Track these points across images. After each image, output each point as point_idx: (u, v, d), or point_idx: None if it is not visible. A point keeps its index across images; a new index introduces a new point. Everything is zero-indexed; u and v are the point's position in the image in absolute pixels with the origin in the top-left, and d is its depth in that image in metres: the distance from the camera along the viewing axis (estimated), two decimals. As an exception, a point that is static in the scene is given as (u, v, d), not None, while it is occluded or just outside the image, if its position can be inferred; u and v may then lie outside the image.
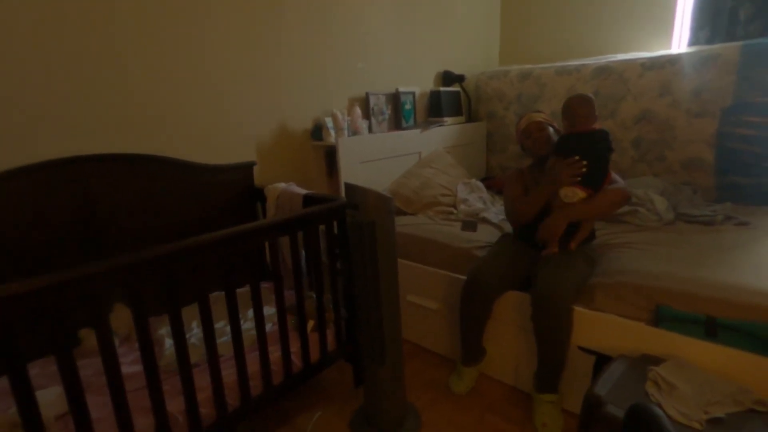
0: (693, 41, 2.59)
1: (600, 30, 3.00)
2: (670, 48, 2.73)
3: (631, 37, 2.88)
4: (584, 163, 1.56)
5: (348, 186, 1.40)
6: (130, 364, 1.44)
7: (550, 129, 1.76)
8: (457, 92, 3.04)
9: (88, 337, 1.49)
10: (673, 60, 2.37)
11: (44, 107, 1.45)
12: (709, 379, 1.22)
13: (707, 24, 2.53)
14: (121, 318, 1.57)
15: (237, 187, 1.95)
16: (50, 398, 1.15)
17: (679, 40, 2.71)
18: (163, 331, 1.57)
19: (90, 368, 1.39)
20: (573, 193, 1.60)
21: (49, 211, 1.45)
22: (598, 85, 2.62)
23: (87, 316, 1.17)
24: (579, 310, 1.52)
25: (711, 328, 1.30)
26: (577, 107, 1.59)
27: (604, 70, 2.60)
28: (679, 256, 1.62)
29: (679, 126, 2.39)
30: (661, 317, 1.39)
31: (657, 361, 1.31)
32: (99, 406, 1.17)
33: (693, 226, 1.96)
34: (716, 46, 2.30)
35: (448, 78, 3.05)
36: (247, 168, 1.98)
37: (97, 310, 1.00)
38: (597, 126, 1.60)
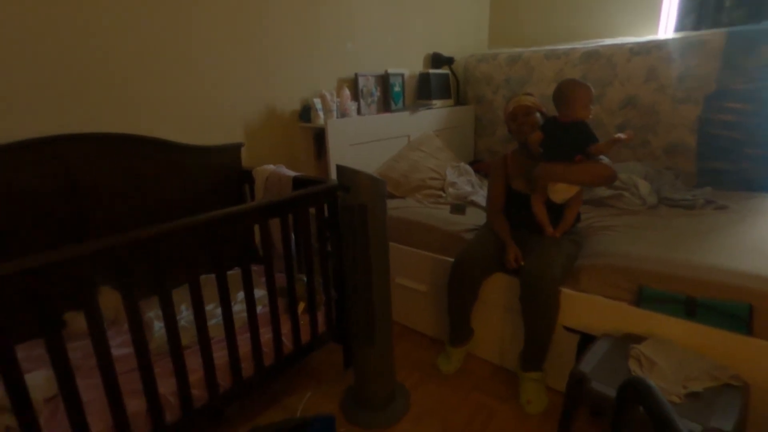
0: (679, 27, 2.62)
1: (589, 14, 3.00)
2: (657, 33, 2.76)
3: (619, 21, 2.90)
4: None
5: (340, 168, 1.39)
6: (118, 347, 1.43)
7: (537, 114, 1.75)
8: (446, 75, 3.02)
9: (73, 320, 1.47)
10: (660, 45, 2.39)
11: (22, 84, 1.39)
12: (688, 356, 1.27)
13: (694, 10, 2.56)
14: (107, 301, 1.55)
15: (224, 169, 1.92)
16: (38, 381, 1.14)
17: (666, 26, 2.74)
18: (151, 314, 1.56)
19: (77, 351, 1.37)
20: (553, 185, 1.63)
21: (30, 192, 1.40)
22: (587, 70, 2.64)
23: (71, 299, 1.16)
24: (565, 292, 1.56)
25: (690, 308, 1.35)
26: (574, 93, 1.56)
27: (593, 55, 2.62)
28: (661, 239, 1.67)
29: (663, 111, 2.43)
30: (644, 297, 1.43)
31: (639, 339, 1.36)
32: (88, 388, 1.16)
33: (674, 210, 2.01)
34: (702, 32, 2.33)
35: (437, 60, 3.02)
36: (234, 149, 1.95)
37: (85, 292, 0.99)
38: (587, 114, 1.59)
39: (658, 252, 1.54)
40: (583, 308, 1.54)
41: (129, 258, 1.05)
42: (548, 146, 1.63)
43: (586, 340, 1.52)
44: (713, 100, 2.27)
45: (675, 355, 1.27)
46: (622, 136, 1.48)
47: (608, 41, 2.66)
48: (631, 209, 2.05)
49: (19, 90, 1.39)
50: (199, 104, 1.85)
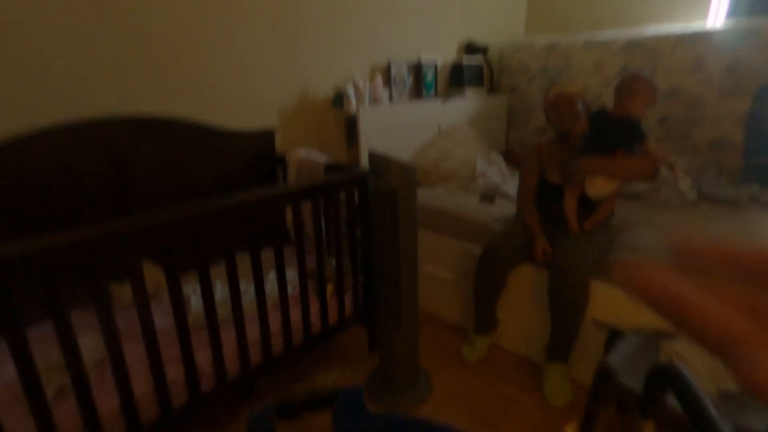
0: (732, 12, 2.47)
1: (632, -1, 2.87)
2: (706, 18, 2.61)
3: (666, 6, 2.76)
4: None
5: (372, 154, 1.41)
6: (159, 319, 1.51)
7: (579, 105, 1.71)
8: (480, 63, 2.97)
9: (119, 292, 1.56)
10: (708, 35, 2.27)
11: (76, 68, 1.47)
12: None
13: (748, -5, 2.41)
14: (148, 275, 1.63)
15: (258, 152, 1.97)
16: (87, 346, 1.22)
17: (717, 11, 2.59)
18: (188, 288, 1.63)
19: (122, 320, 1.45)
20: (592, 179, 1.58)
21: (80, 169, 1.49)
22: (628, 60, 2.54)
23: (116, 272, 1.23)
24: (595, 285, 1.54)
25: (728, 307, 1.31)
26: (640, 89, 1.51)
27: (635, 45, 2.51)
28: (700, 236, 1.61)
29: (708, 104, 2.32)
30: (678, 294, 1.39)
31: (670, 336, 1.33)
32: (132, 355, 1.24)
33: (716, 207, 1.93)
34: (757, 19, 2.20)
35: (471, 48, 2.97)
36: (268, 134, 2.00)
37: (132, 266, 1.05)
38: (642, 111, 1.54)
39: (696, 249, 1.49)
40: (613, 302, 1.52)
41: (172, 235, 1.11)
42: (591, 139, 1.59)
43: (615, 335, 1.50)
44: (766, 93, 2.14)
45: (708, 353, 1.23)
46: (677, 169, 1.45)
47: (653, 29, 2.55)
48: (670, 204, 1.98)
49: (71, 73, 1.47)
50: (237, 89, 1.90)
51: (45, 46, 1.40)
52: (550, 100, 1.74)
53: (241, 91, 1.92)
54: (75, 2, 1.43)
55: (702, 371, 1.16)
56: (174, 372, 1.23)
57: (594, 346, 1.57)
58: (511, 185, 2.32)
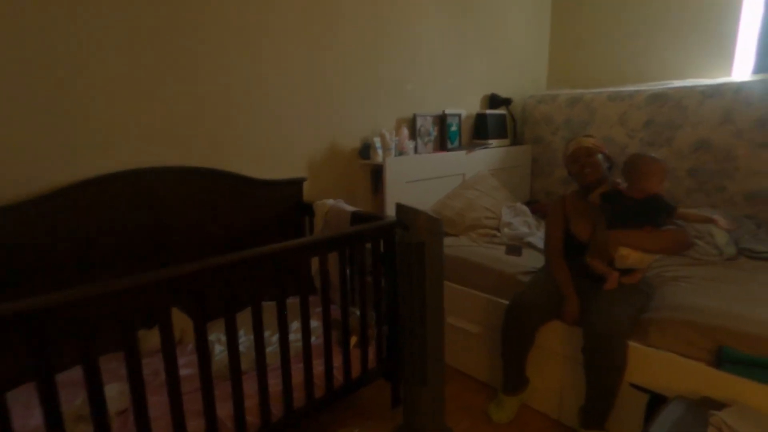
0: (759, 69, 2.48)
1: (655, 55, 2.92)
2: (730, 75, 2.63)
3: (689, 62, 2.79)
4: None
5: (399, 206, 1.43)
6: (181, 368, 1.50)
7: (600, 156, 1.71)
8: (503, 115, 3.04)
9: (144, 338, 1.57)
10: (736, 88, 2.27)
11: (118, 121, 1.57)
12: (780, 429, 1.13)
13: (774, 51, 2.43)
14: (174, 322, 1.65)
15: (287, 201, 2.02)
16: (112, 394, 1.22)
17: (742, 67, 2.61)
18: (212, 337, 1.63)
19: (145, 368, 1.45)
20: (628, 254, 1.53)
21: (119, 217, 1.56)
22: (653, 113, 2.55)
23: (144, 318, 1.24)
24: (633, 346, 1.46)
25: (781, 375, 1.22)
26: (650, 167, 1.50)
27: (660, 97, 2.53)
28: (743, 294, 1.53)
29: (741, 156, 2.28)
30: (724, 359, 1.30)
31: (719, 405, 1.24)
32: (154, 405, 1.23)
33: (757, 263, 1.84)
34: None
35: (494, 101, 3.05)
36: (297, 183, 2.06)
37: (162, 315, 1.07)
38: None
39: (741, 308, 1.41)
40: (653, 366, 1.43)
41: (201, 284, 1.13)
42: (617, 216, 1.56)
43: (656, 401, 1.40)
44: (800, 145, 2.10)
45: (763, 426, 1.13)
46: (721, 222, 1.43)
47: (677, 83, 2.57)
48: (707, 260, 1.90)
49: (113, 125, 1.57)
50: (267, 140, 1.98)
51: (95, 98, 1.51)
52: (569, 154, 1.74)
53: (273, 143, 2.00)
54: (123, 64, 1.56)
55: (759, 448, 1.06)
56: (194, 425, 1.20)
57: (635, 413, 1.47)
58: (538, 237, 2.29)
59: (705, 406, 1.24)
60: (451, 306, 2.01)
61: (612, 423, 1.51)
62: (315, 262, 1.79)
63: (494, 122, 2.92)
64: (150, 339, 1.57)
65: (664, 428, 1.16)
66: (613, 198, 1.58)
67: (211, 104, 1.79)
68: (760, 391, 1.23)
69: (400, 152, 2.32)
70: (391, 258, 1.63)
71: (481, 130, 2.89)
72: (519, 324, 1.63)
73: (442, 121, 2.67)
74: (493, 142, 2.89)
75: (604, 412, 1.48)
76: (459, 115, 2.74)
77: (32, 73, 1.38)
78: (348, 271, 1.67)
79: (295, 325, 1.68)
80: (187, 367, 1.49)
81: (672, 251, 1.55)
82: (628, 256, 1.52)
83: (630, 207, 1.53)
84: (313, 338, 1.61)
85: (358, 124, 2.33)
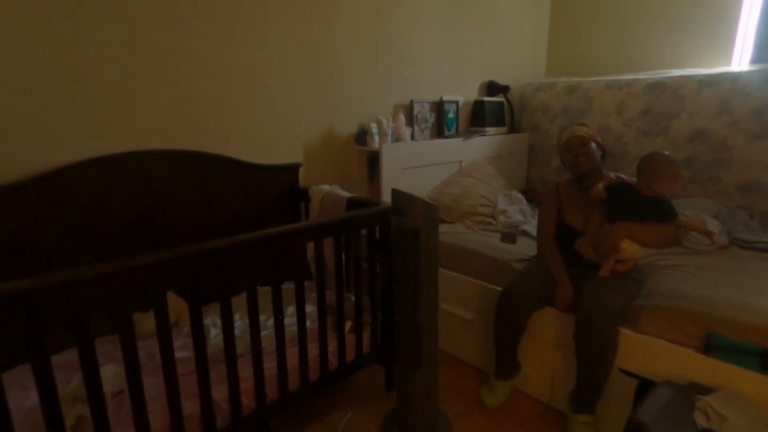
0: (756, 59, 2.47)
1: (654, 44, 2.90)
2: (729, 65, 2.62)
3: (687, 52, 2.78)
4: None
5: (395, 192, 1.42)
6: (177, 350, 1.51)
7: (593, 144, 1.71)
8: (501, 102, 3.02)
9: (140, 321, 1.58)
10: (734, 77, 2.27)
11: (112, 104, 1.55)
12: (763, 413, 1.16)
13: (773, 41, 2.42)
14: (170, 305, 1.65)
15: (283, 187, 2.02)
16: (107, 376, 1.23)
17: (741, 57, 2.60)
18: (207, 321, 1.64)
19: (141, 350, 1.46)
20: (630, 245, 1.53)
21: (115, 200, 1.55)
22: (651, 101, 2.55)
23: (136, 302, 1.24)
24: (624, 332, 1.48)
25: (767, 362, 1.24)
26: (669, 169, 1.51)
27: (658, 86, 2.52)
28: (733, 283, 1.55)
29: (737, 147, 2.28)
30: (712, 345, 1.33)
31: (706, 390, 1.26)
32: (149, 387, 1.24)
33: (749, 252, 1.87)
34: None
35: (492, 88, 3.04)
36: (293, 169, 2.05)
37: (157, 298, 1.07)
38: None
39: (730, 297, 1.43)
40: (643, 351, 1.45)
41: (197, 268, 1.13)
42: (617, 208, 1.57)
43: (645, 386, 1.42)
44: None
45: (748, 412, 1.16)
46: (716, 237, 1.55)
47: (676, 72, 2.56)
48: (699, 249, 1.92)
49: (109, 109, 1.55)
50: (264, 125, 1.97)
51: (92, 85, 1.49)
52: (563, 144, 1.74)
53: (269, 129, 1.99)
54: (117, 46, 1.53)
55: (742, 430, 1.09)
56: (190, 407, 1.22)
57: (624, 397, 1.50)
58: (533, 225, 2.30)
59: (692, 390, 1.27)
60: (446, 292, 2.03)
61: (601, 407, 1.54)
62: (311, 248, 1.80)
63: (492, 110, 2.91)
64: (146, 322, 1.58)
65: (652, 411, 1.19)
66: (618, 191, 1.59)
67: (207, 88, 1.77)
68: (746, 377, 1.25)
69: (397, 138, 2.31)
70: (387, 244, 1.63)
71: (479, 117, 2.87)
72: (512, 311, 1.65)
73: (439, 107, 2.65)
74: (491, 129, 2.88)
75: (594, 396, 1.51)
76: (456, 102, 2.72)
77: (19, 52, 1.35)
78: (343, 256, 1.67)
79: (290, 310, 1.69)
80: (183, 349, 1.49)
81: (664, 246, 1.57)
82: (630, 247, 1.53)
83: (635, 200, 1.54)
84: (308, 323, 1.62)
85: (355, 110, 2.32)
